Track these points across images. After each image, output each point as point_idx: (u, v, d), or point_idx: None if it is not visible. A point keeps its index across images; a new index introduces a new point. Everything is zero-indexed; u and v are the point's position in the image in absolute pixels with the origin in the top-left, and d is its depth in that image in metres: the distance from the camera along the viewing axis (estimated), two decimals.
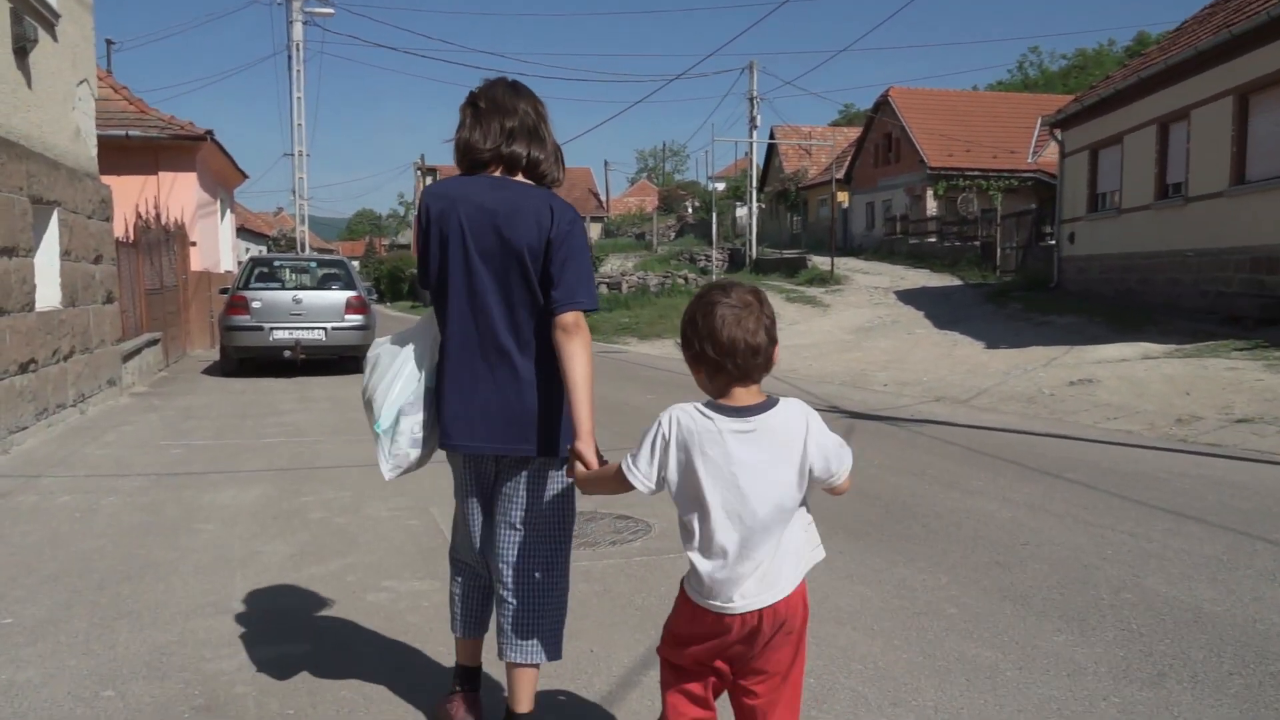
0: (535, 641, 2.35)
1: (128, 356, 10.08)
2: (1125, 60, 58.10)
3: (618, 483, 1.91)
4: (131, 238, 11.44)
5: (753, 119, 34.07)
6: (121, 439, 7.62)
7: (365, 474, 6.19)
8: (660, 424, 1.82)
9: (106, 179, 9.86)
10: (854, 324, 19.47)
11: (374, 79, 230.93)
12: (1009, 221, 26.16)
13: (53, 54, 7.95)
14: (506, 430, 2.29)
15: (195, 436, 7.74)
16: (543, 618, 2.36)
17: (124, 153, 14.67)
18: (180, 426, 8.23)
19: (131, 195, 13.50)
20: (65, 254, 8.07)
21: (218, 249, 18.73)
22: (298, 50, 22.04)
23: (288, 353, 11.65)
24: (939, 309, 19.99)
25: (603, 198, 63.79)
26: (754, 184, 35.25)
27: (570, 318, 2.21)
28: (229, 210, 21.12)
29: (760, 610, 1.78)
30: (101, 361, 9.02)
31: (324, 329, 11.75)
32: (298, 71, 21.86)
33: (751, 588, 1.78)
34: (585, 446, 2.13)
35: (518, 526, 2.35)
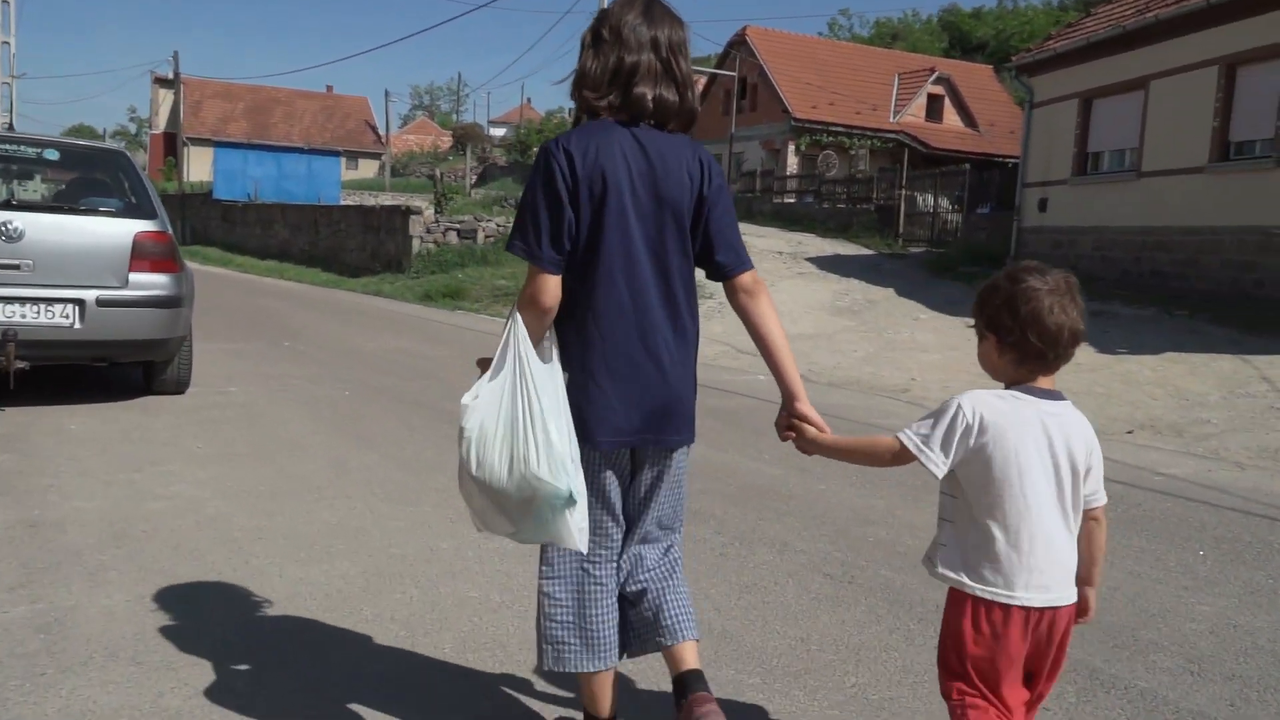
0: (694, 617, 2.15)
1: None
2: (934, 30, 58.09)
3: (867, 455, 1.88)
4: None
5: None
6: None
7: None
8: (960, 405, 1.72)
9: None
10: (815, 301, 15.10)
11: None
12: (926, 181, 22.78)
13: None
14: (667, 418, 2.02)
15: None
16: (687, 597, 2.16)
17: None
18: None
19: None
20: None
21: None
22: None
23: None
24: (901, 286, 16.13)
25: (381, 132, 55.85)
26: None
27: (749, 277, 2.05)
28: None
29: (1058, 610, 1.72)
30: None
31: (77, 302, 5.46)
32: None
33: (1057, 579, 1.71)
34: (810, 408, 2.01)
35: (667, 522, 2.13)
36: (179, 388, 6.27)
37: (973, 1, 57.12)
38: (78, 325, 5.47)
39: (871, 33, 59.72)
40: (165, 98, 49.14)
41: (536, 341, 1.92)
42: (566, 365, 1.96)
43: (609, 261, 1.93)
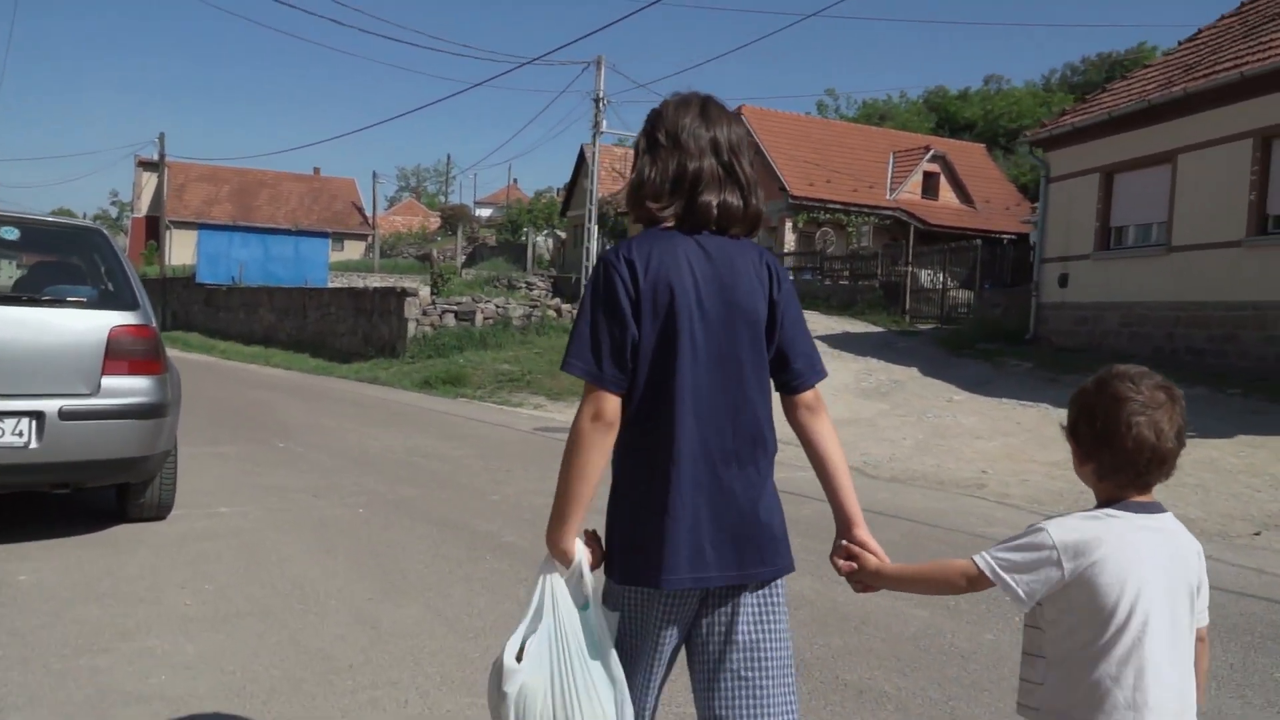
0: None
1: None
2: (920, 110, 58.74)
3: (939, 583, 1.67)
4: None
5: (597, 123, 28.64)
6: None
7: None
8: (1047, 533, 1.54)
9: None
10: (839, 382, 14.22)
11: (85, 30, 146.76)
12: (934, 258, 22.27)
13: None
14: (751, 547, 1.80)
15: None
16: None
17: None
18: None
19: None
20: None
21: None
22: None
23: None
24: (923, 365, 15.41)
25: (368, 213, 55.52)
26: (594, 199, 29.49)
27: (812, 395, 1.90)
28: None
29: None
30: None
31: (34, 415, 4.47)
32: None
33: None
34: (869, 535, 1.86)
35: (747, 675, 1.80)
36: (160, 512, 5.25)
37: (958, 83, 58.03)
38: (34, 444, 4.47)
39: (858, 113, 60.25)
40: (148, 181, 48.56)
41: (597, 471, 1.74)
42: (626, 495, 1.80)
43: (679, 378, 1.77)
